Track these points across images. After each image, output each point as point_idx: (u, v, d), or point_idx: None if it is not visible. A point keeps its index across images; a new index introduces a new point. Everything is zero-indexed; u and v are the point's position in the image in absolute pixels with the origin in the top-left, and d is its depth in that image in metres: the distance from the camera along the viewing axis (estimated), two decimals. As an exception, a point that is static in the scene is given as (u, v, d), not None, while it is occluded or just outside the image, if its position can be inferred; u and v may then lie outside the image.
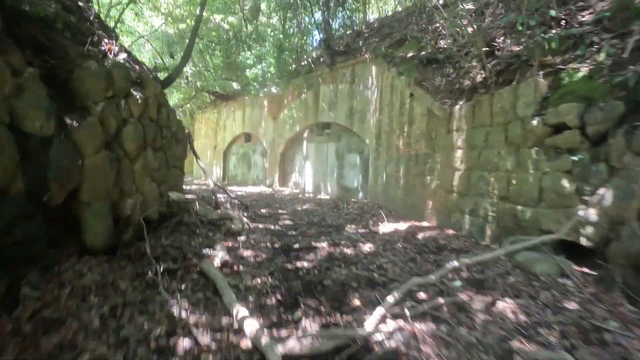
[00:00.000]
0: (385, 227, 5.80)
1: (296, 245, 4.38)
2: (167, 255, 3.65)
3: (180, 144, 5.81)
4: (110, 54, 3.85)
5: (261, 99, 15.20)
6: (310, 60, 12.51)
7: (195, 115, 22.76)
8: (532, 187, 3.99)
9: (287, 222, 6.28)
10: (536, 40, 4.19)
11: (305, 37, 11.39)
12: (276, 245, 4.56)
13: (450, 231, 4.90)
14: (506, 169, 4.19)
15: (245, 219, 5.67)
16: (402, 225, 5.84)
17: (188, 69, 13.98)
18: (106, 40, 4.01)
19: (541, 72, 4.15)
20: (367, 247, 4.52)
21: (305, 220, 6.59)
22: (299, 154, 13.54)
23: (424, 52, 6.97)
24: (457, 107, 5.13)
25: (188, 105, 22.28)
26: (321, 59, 11.96)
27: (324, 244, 4.58)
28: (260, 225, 5.71)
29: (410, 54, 7.54)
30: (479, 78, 4.95)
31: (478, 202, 4.54)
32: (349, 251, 4.34)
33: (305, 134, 11.49)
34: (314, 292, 3.13)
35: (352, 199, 10.67)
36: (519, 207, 4.04)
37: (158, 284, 2.97)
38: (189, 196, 6.00)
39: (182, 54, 16.72)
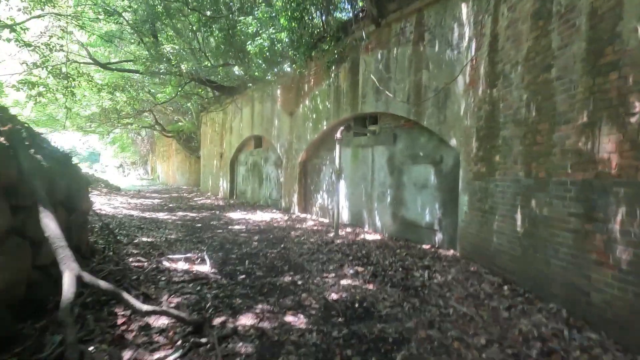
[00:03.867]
0: None
1: None
2: None
3: None
4: None
5: (272, 87, 10.88)
6: (346, 14, 8.00)
7: (201, 117, 18.89)
8: None
9: None
10: None
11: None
12: None
13: None
14: None
15: None
16: None
17: (169, 47, 9.87)
18: None
19: None
20: None
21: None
22: (327, 164, 9.08)
23: None
24: None
25: (189, 104, 18.46)
26: (360, 14, 7.45)
27: None
28: None
29: None
30: None
31: None
32: None
33: (338, 134, 7.06)
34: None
35: (424, 245, 6.05)
36: None
37: None
38: None
39: (171, 32, 12.76)
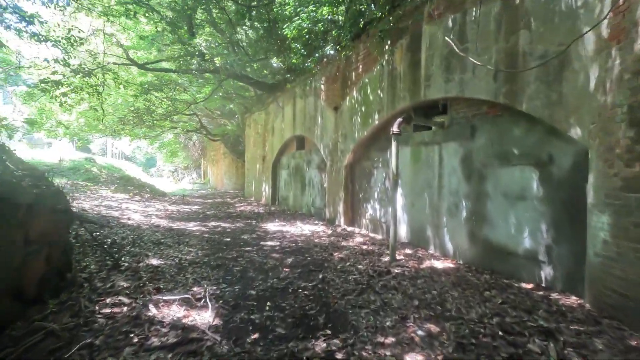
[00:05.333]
0: None
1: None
2: None
3: None
4: None
5: (314, 79, 9.49)
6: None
7: (245, 119, 18.18)
8: None
9: None
10: None
11: None
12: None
13: None
14: None
15: None
16: None
17: (202, 40, 8.92)
18: None
19: None
20: None
21: None
22: (379, 167, 7.43)
23: None
24: None
25: (232, 106, 17.83)
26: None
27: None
28: None
29: None
30: None
31: None
32: None
33: (395, 127, 5.42)
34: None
35: (522, 284, 4.16)
36: None
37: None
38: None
39: (208, 27, 12.00)
